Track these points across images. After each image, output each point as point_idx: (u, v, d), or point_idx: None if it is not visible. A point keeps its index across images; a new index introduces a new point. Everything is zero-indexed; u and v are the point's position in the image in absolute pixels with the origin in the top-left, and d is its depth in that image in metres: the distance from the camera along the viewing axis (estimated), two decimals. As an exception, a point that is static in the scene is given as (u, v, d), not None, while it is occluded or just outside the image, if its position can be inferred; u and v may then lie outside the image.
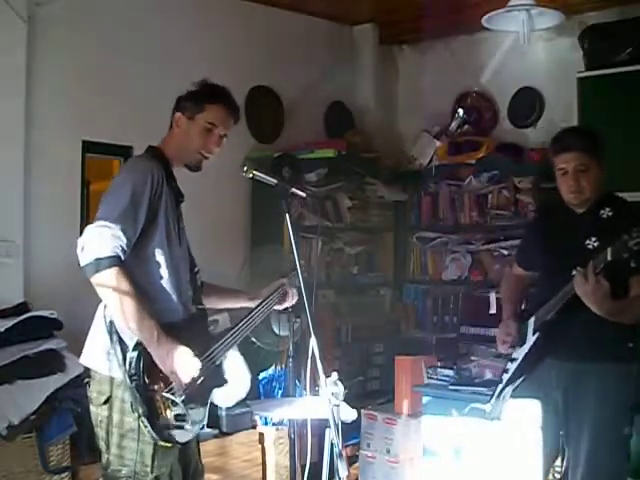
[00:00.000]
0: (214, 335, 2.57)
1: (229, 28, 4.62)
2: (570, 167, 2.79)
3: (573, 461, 2.82)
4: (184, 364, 2.28)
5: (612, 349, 2.75)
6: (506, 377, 2.96)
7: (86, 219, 3.91)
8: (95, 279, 2.24)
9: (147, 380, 2.26)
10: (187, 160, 2.55)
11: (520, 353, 2.92)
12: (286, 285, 2.81)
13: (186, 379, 2.30)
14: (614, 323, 2.67)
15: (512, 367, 2.94)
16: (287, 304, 2.83)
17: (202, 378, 2.34)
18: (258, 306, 2.71)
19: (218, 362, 2.51)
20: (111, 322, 2.30)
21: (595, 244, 2.75)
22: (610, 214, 2.82)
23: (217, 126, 2.53)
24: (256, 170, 2.55)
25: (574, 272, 2.67)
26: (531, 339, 2.88)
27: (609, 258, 2.55)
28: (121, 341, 2.28)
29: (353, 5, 5.11)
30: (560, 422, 2.87)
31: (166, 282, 2.41)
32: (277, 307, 2.82)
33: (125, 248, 2.27)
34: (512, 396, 2.93)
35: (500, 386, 2.98)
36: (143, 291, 2.32)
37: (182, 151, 2.54)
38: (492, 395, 3.02)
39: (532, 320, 2.91)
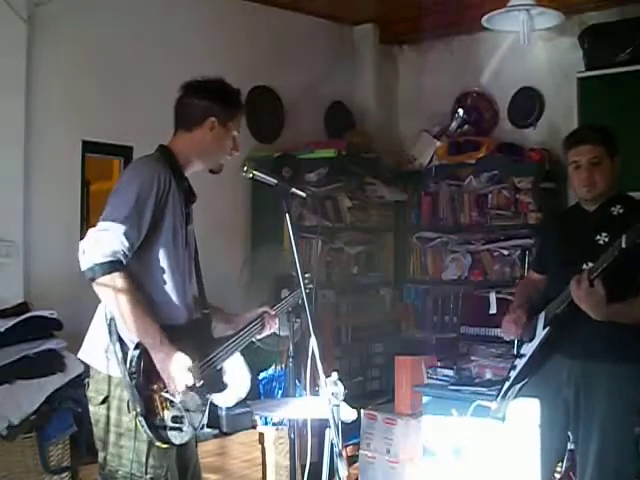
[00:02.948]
0: (216, 340, 2.56)
1: (230, 28, 4.62)
2: (583, 160, 2.82)
3: (582, 460, 2.81)
4: (181, 372, 2.28)
5: (624, 349, 2.74)
6: (514, 374, 2.94)
7: (86, 219, 3.91)
8: (97, 284, 2.23)
9: (146, 379, 2.26)
10: (214, 165, 2.57)
11: (529, 349, 2.90)
12: (266, 313, 2.78)
13: (180, 387, 2.29)
14: (625, 323, 2.66)
15: (520, 363, 2.92)
16: (266, 332, 2.80)
17: (201, 382, 2.33)
18: (237, 335, 2.67)
19: (218, 367, 2.51)
20: (112, 320, 2.29)
21: (606, 239, 2.75)
22: (621, 211, 2.83)
23: (239, 131, 2.59)
24: (256, 170, 2.54)
25: (584, 267, 2.68)
26: (542, 334, 2.85)
27: (624, 245, 2.53)
28: (121, 340, 2.28)
29: (353, 5, 5.10)
30: (569, 421, 2.86)
31: (170, 285, 2.40)
32: (256, 336, 2.77)
33: (127, 252, 2.25)
34: (520, 394, 2.91)
35: (507, 383, 2.95)
36: (146, 293, 2.32)
37: (212, 156, 2.54)
38: (498, 393, 3.00)
39: (542, 315, 2.88)
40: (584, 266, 2.70)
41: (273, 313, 2.80)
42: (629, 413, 2.76)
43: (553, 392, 2.86)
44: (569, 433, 2.90)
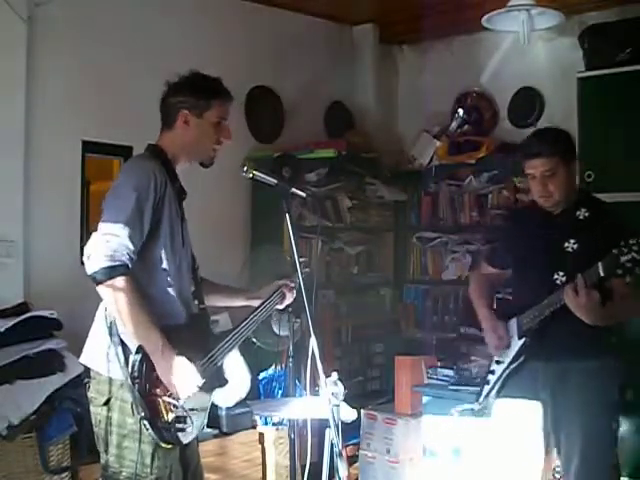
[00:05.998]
0: (216, 335, 2.56)
1: (229, 28, 4.62)
2: (537, 172, 2.84)
3: (565, 459, 2.86)
4: (185, 380, 2.28)
5: (593, 348, 2.80)
6: (493, 379, 3.00)
7: (86, 219, 3.91)
8: (102, 288, 2.22)
9: (149, 383, 2.25)
10: (201, 157, 2.55)
11: (506, 357, 2.96)
12: (285, 285, 2.81)
13: (184, 395, 2.29)
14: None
15: (499, 369, 2.98)
16: (287, 302, 2.84)
17: (204, 381, 2.33)
18: (259, 307, 2.71)
19: (219, 363, 2.50)
20: (112, 323, 2.29)
21: (574, 246, 2.80)
22: (587, 215, 2.85)
23: (224, 118, 2.54)
24: (256, 170, 2.54)
25: (555, 276, 2.78)
26: (517, 344, 2.91)
27: (602, 274, 2.57)
28: (122, 343, 2.27)
29: (353, 5, 5.10)
30: (548, 423, 2.89)
31: (170, 284, 2.39)
32: (278, 307, 2.83)
33: (132, 255, 2.24)
34: (501, 396, 2.98)
35: (487, 387, 3.03)
36: (148, 293, 2.31)
37: (195, 149, 2.52)
38: (479, 395, 3.07)
39: (514, 322, 2.94)
40: (555, 276, 2.78)
41: (292, 285, 2.83)
42: (607, 408, 2.82)
43: (530, 396, 2.90)
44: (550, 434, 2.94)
